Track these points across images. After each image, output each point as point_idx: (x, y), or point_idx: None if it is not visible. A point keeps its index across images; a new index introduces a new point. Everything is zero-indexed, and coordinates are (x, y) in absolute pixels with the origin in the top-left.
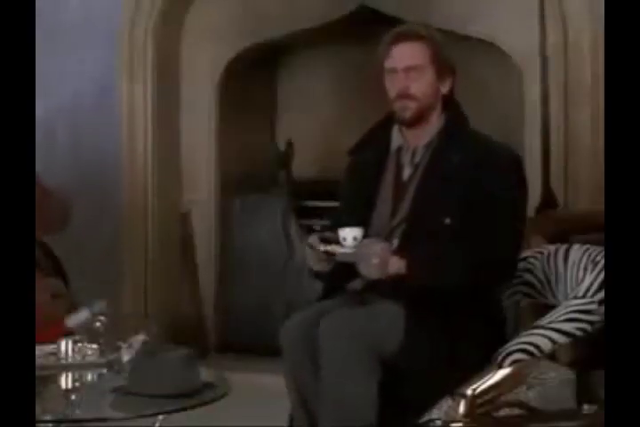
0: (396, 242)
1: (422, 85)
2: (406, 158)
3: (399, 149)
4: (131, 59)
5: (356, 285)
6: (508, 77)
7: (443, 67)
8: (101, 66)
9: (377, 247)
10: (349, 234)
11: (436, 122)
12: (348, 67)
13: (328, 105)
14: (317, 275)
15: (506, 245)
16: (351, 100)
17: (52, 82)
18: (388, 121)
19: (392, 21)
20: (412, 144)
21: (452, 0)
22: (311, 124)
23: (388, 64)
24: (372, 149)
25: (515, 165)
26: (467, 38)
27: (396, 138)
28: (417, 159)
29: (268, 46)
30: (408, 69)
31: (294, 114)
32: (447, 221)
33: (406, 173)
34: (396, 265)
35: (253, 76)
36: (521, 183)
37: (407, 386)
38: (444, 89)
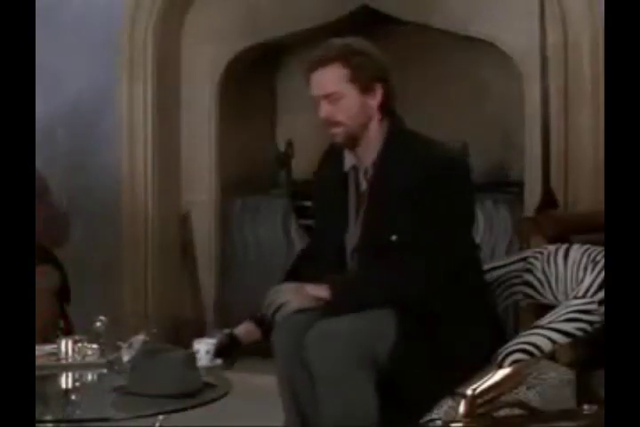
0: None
1: (346, 109)
2: (361, 175)
3: (354, 168)
4: (131, 58)
5: None
6: (508, 77)
7: (367, 80)
8: (101, 65)
9: (287, 287)
10: (202, 347)
11: (377, 135)
12: None
13: None
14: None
15: (461, 251)
16: None
17: (51, 81)
18: None
19: (392, 22)
20: (363, 163)
21: (452, 0)
22: (311, 124)
23: (311, 92)
24: (332, 167)
25: (458, 168)
26: (467, 39)
27: (348, 157)
28: (368, 176)
29: (268, 46)
30: (327, 97)
31: (294, 114)
32: (393, 237)
33: (362, 188)
34: (317, 290)
35: (253, 76)
36: (467, 185)
37: (403, 388)
38: (375, 101)
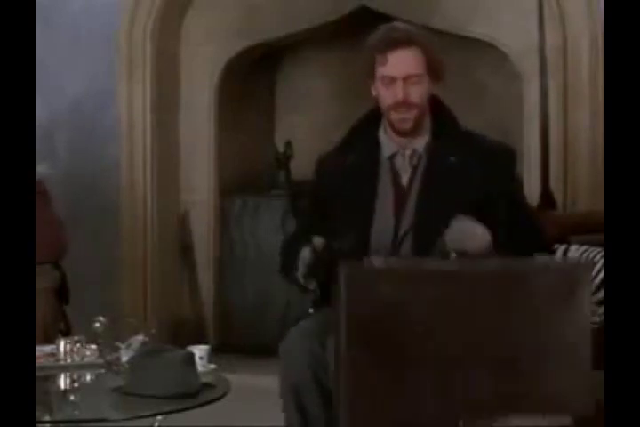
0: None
1: (422, 93)
2: (402, 163)
3: (393, 155)
4: (130, 59)
5: None
6: (507, 77)
7: (435, 70)
8: (101, 66)
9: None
10: (196, 353)
11: (427, 123)
12: (347, 67)
13: (328, 105)
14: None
15: (538, 239)
16: (351, 101)
17: (51, 82)
18: (370, 125)
19: (391, 22)
20: (408, 148)
21: (451, 1)
22: (310, 124)
23: (386, 71)
24: (357, 158)
25: (512, 157)
26: (466, 39)
27: (387, 143)
28: (414, 162)
29: (268, 46)
30: (408, 77)
31: (293, 114)
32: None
33: (404, 178)
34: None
35: (253, 76)
36: (518, 175)
37: None
38: (433, 91)
